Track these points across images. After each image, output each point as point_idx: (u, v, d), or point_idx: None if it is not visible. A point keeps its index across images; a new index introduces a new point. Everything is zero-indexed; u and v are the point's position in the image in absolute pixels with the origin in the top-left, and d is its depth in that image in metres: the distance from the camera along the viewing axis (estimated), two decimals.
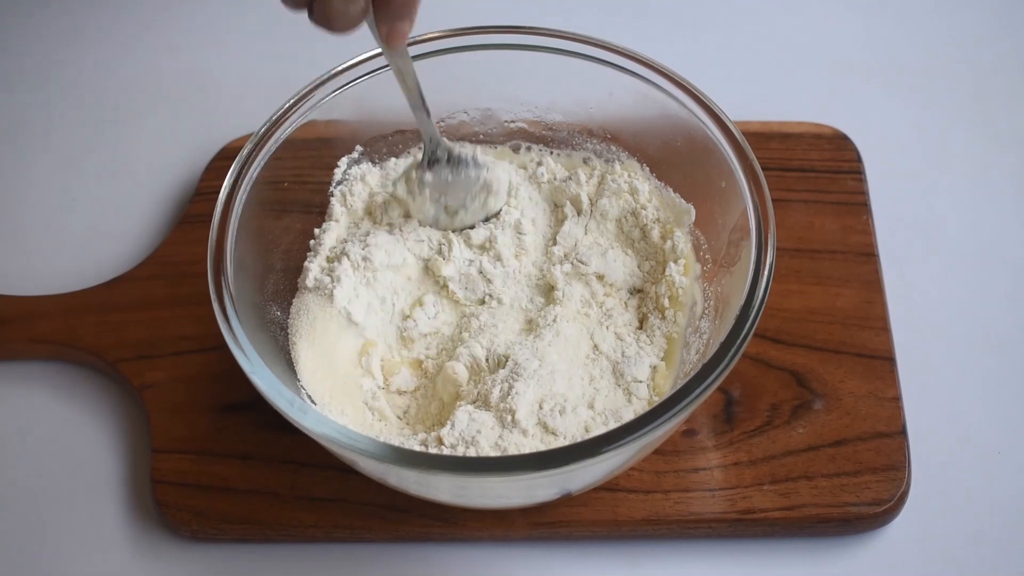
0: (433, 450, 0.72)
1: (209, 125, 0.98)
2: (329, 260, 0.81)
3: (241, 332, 0.70)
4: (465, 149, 0.80)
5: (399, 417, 0.78)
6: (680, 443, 0.79)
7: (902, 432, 0.79)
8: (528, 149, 0.86)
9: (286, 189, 0.80)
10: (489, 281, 0.80)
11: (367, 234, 0.81)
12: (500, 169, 0.82)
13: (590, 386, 0.76)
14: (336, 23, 0.65)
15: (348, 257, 0.80)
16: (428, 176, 0.79)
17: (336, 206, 0.83)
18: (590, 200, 0.83)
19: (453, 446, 0.72)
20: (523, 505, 0.76)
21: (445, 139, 0.79)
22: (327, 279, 0.80)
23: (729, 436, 0.79)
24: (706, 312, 0.78)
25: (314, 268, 0.81)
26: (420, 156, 0.80)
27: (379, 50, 0.80)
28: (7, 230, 0.95)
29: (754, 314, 0.69)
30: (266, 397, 0.68)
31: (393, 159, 0.85)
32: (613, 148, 0.84)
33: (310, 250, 0.82)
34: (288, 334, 0.78)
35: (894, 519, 0.77)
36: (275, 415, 0.68)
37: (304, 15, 0.66)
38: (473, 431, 0.72)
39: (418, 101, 0.76)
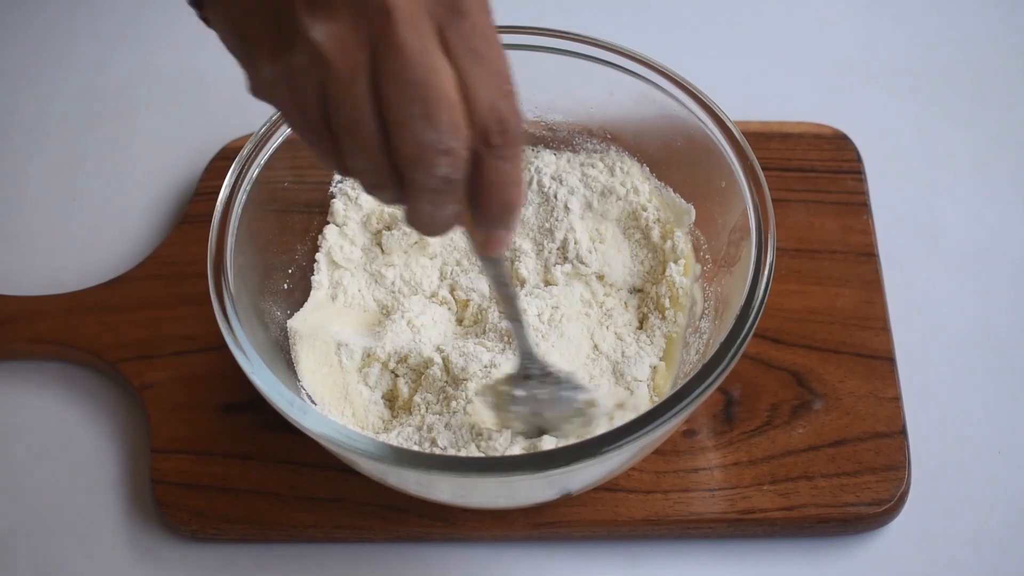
0: (428, 448, 0.72)
1: (209, 125, 0.98)
2: (332, 269, 0.82)
3: (241, 332, 0.70)
4: (561, 369, 0.73)
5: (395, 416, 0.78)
6: (680, 443, 0.79)
7: (902, 432, 0.79)
8: (524, 150, 0.86)
9: (286, 189, 0.80)
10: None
11: (380, 272, 0.82)
12: (601, 394, 0.74)
13: (590, 386, 0.76)
14: (427, 230, 0.57)
15: (353, 275, 0.81)
16: (520, 392, 0.72)
17: (338, 207, 0.83)
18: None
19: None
20: (523, 505, 0.76)
21: (539, 355, 0.73)
22: (326, 282, 0.81)
23: (729, 436, 0.79)
24: (706, 312, 0.78)
25: (319, 273, 0.81)
26: (511, 370, 0.74)
27: None
28: (7, 230, 0.95)
29: (754, 314, 0.69)
30: (266, 397, 0.68)
31: None
32: (613, 148, 0.84)
33: (315, 249, 0.82)
34: (288, 335, 0.78)
35: (894, 519, 0.77)
36: (275, 415, 0.68)
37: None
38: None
39: (514, 311, 0.69)
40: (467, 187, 0.55)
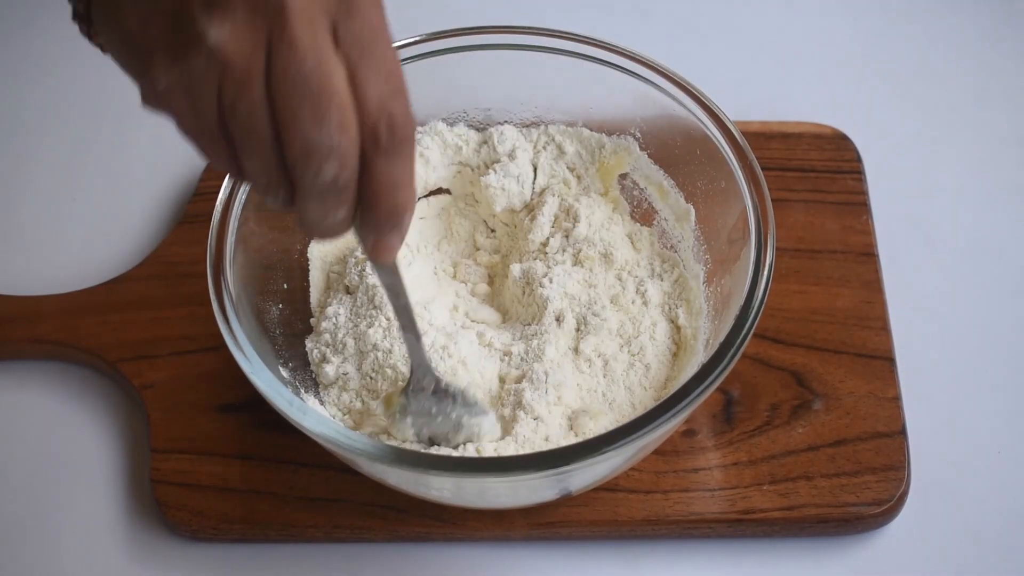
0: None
1: None
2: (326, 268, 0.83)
3: (241, 332, 0.70)
4: (454, 385, 0.72)
5: None
6: (680, 443, 0.79)
7: (902, 432, 0.79)
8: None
9: None
10: None
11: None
12: (488, 419, 0.73)
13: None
14: (318, 232, 0.56)
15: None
16: (409, 403, 0.72)
17: None
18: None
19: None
20: (523, 505, 0.76)
21: (434, 368, 0.72)
22: (322, 281, 0.81)
23: (729, 436, 0.79)
24: (707, 312, 0.78)
25: (314, 270, 0.81)
26: (406, 381, 0.73)
27: None
28: (7, 230, 0.95)
29: (754, 314, 0.69)
30: (266, 397, 0.68)
31: None
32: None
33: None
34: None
35: (894, 519, 0.77)
36: (275, 415, 0.68)
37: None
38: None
39: (408, 322, 0.68)
40: (357, 190, 0.54)
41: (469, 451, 0.73)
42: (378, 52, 0.52)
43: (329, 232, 0.56)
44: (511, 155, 0.83)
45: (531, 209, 0.83)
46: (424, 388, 0.72)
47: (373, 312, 0.77)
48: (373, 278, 0.77)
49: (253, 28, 0.50)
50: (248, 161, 0.53)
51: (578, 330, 0.78)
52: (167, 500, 0.79)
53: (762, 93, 0.99)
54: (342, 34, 0.51)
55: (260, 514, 0.78)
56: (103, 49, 0.57)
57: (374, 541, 0.78)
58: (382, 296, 0.76)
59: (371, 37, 0.52)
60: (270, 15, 0.49)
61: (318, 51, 0.50)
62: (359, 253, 0.80)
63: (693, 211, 0.80)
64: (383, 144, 0.53)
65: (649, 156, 0.82)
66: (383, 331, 0.76)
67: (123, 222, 0.94)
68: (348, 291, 0.80)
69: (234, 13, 0.49)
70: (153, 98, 0.53)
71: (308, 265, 0.82)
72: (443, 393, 0.72)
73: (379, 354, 0.75)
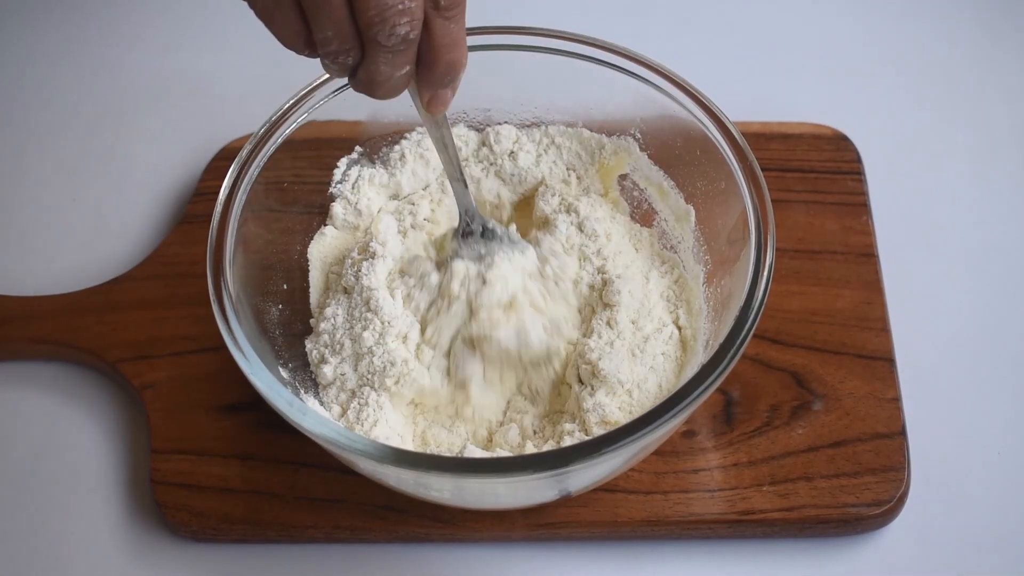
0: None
1: (209, 125, 0.98)
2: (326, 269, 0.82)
3: (240, 332, 0.70)
4: (500, 227, 0.77)
5: None
6: (679, 444, 0.79)
7: (902, 433, 0.79)
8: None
9: (286, 189, 0.80)
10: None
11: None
12: (530, 253, 0.78)
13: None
14: (379, 89, 0.63)
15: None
16: (460, 247, 0.76)
17: (338, 210, 0.83)
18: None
19: None
20: (523, 506, 0.76)
21: (479, 213, 0.77)
22: (322, 282, 0.81)
23: (728, 437, 0.79)
24: (707, 313, 0.78)
25: (314, 270, 0.81)
26: (455, 226, 0.77)
27: None
28: (7, 230, 0.95)
29: (754, 315, 0.69)
30: (265, 398, 0.68)
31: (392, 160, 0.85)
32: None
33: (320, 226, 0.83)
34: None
35: (894, 520, 0.77)
36: (275, 415, 0.68)
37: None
38: None
39: (457, 172, 0.74)
40: (418, 50, 0.62)
41: (469, 452, 0.73)
42: None
43: (393, 89, 0.64)
44: (511, 155, 0.83)
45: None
46: (473, 232, 0.76)
47: (368, 315, 0.76)
48: (367, 279, 0.77)
49: None
50: (321, 30, 0.60)
51: (602, 289, 0.78)
52: (167, 501, 0.79)
53: (762, 93, 0.99)
54: None
55: (260, 515, 0.78)
56: None
57: (374, 541, 0.78)
58: (377, 300, 0.76)
59: None
60: None
61: None
62: (355, 254, 0.80)
63: (693, 212, 0.80)
64: (443, 6, 0.60)
65: (649, 157, 0.82)
66: (377, 335, 0.76)
67: (123, 222, 0.94)
68: (346, 292, 0.80)
69: None
70: None
71: (308, 266, 0.82)
72: (491, 234, 0.76)
73: (374, 358, 0.75)
